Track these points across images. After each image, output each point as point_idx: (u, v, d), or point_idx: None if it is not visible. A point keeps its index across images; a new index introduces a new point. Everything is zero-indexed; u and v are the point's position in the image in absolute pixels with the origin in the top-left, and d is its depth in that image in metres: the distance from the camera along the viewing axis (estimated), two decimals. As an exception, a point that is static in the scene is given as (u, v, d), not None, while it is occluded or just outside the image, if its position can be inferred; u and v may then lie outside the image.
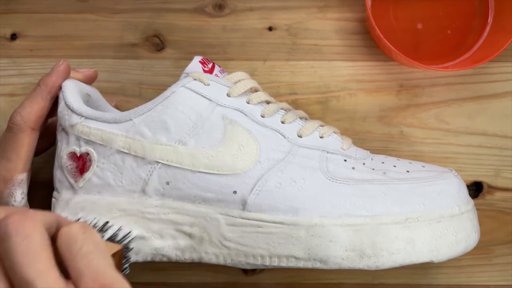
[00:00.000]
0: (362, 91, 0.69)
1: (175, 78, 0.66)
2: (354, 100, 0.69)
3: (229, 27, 0.70)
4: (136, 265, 0.66)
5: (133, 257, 0.55)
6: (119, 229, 0.54)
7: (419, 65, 0.61)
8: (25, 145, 0.57)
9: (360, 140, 0.68)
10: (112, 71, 0.69)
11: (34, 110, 0.57)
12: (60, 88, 0.58)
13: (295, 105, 0.68)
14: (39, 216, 0.42)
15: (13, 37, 0.70)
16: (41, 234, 0.40)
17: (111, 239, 0.52)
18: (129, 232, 0.54)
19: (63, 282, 0.39)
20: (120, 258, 0.49)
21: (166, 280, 0.68)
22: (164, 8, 0.70)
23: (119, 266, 0.48)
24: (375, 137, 0.69)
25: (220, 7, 0.70)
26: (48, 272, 0.39)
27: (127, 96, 0.69)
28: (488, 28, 0.67)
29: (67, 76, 0.58)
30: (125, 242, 0.53)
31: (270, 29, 0.70)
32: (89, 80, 0.62)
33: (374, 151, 0.62)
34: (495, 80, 0.68)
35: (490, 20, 0.67)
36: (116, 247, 0.48)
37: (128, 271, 0.53)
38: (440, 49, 0.68)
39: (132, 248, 0.54)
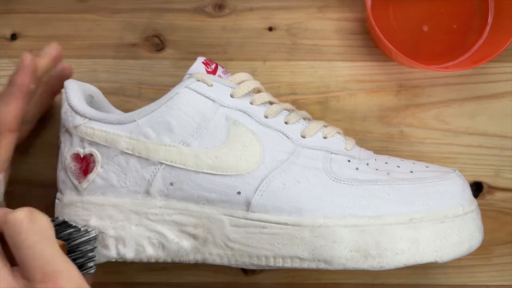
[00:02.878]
0: (362, 91, 0.69)
1: (175, 78, 0.67)
2: (354, 100, 0.69)
3: (229, 27, 0.70)
4: (136, 265, 0.66)
5: (138, 257, 0.55)
6: (82, 226, 0.55)
7: (419, 65, 0.62)
8: (3, 147, 0.56)
9: (360, 140, 0.68)
10: (112, 71, 0.69)
11: (9, 112, 0.55)
12: (61, 87, 0.58)
13: (295, 105, 0.68)
14: None
15: (13, 37, 0.69)
16: None
17: (69, 233, 0.53)
18: (92, 229, 0.54)
19: (11, 280, 0.40)
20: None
21: (166, 280, 0.68)
22: (164, 8, 0.70)
23: None
24: (375, 137, 0.69)
25: (220, 7, 0.70)
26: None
27: (127, 96, 0.69)
28: (488, 28, 0.67)
29: (35, 69, 0.57)
30: (82, 239, 0.53)
31: (270, 29, 0.70)
32: (57, 60, 0.61)
33: (374, 151, 0.62)
34: (495, 80, 0.69)
35: (490, 20, 0.67)
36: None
37: (93, 270, 0.53)
38: (440, 49, 0.68)
39: (95, 247, 0.54)
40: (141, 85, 0.69)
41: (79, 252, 0.52)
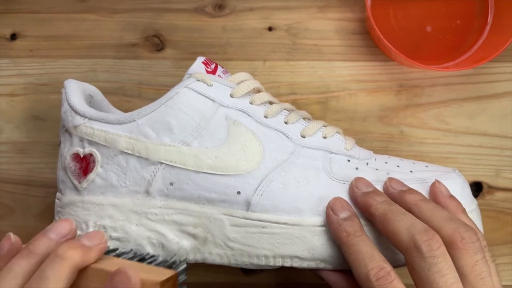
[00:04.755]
0: (362, 91, 0.69)
1: (175, 78, 0.67)
2: (354, 100, 0.69)
3: (229, 27, 0.70)
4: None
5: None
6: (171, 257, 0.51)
7: (419, 65, 0.62)
8: None
9: (360, 140, 0.68)
10: (112, 71, 0.69)
11: None
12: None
13: (295, 105, 0.68)
14: None
15: (13, 37, 0.69)
16: None
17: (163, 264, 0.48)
18: (185, 259, 0.52)
19: None
20: (174, 284, 0.46)
21: (166, 280, 0.68)
22: (164, 8, 0.70)
23: None
24: (375, 137, 0.69)
25: (220, 7, 0.70)
26: None
27: (127, 96, 0.69)
28: (488, 28, 0.67)
29: None
30: (179, 268, 0.48)
31: (270, 29, 0.70)
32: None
33: (374, 151, 0.62)
34: (495, 80, 0.69)
35: (490, 20, 0.67)
36: (168, 273, 0.45)
37: None
38: (440, 49, 0.68)
39: (185, 280, 0.48)
40: (141, 85, 0.69)
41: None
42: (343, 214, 0.52)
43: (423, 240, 0.46)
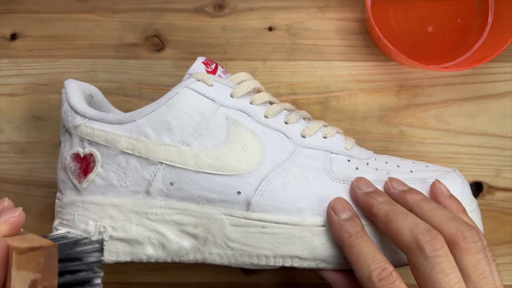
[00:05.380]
0: (362, 91, 0.69)
1: (175, 78, 0.67)
2: (354, 100, 0.69)
3: (229, 27, 0.70)
4: (136, 265, 0.66)
5: (140, 257, 0.55)
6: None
7: (419, 65, 0.62)
8: None
9: (360, 140, 0.68)
10: (112, 71, 0.69)
11: None
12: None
13: (295, 105, 0.68)
14: None
15: (13, 37, 0.69)
16: None
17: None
18: (101, 240, 0.51)
19: None
20: (50, 256, 0.42)
21: (166, 280, 0.68)
22: (164, 8, 0.70)
23: (46, 266, 0.42)
24: (375, 137, 0.69)
25: (220, 7, 0.70)
26: None
27: (127, 96, 0.69)
28: (488, 28, 0.67)
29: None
30: (84, 248, 0.48)
31: (270, 29, 0.70)
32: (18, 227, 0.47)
33: (374, 151, 0.62)
34: (495, 80, 0.69)
35: (490, 20, 0.67)
36: (37, 242, 0.42)
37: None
38: (440, 49, 0.68)
39: (101, 260, 0.49)
40: (141, 85, 0.69)
41: (81, 263, 0.47)
42: (344, 215, 0.52)
43: (426, 240, 0.47)
